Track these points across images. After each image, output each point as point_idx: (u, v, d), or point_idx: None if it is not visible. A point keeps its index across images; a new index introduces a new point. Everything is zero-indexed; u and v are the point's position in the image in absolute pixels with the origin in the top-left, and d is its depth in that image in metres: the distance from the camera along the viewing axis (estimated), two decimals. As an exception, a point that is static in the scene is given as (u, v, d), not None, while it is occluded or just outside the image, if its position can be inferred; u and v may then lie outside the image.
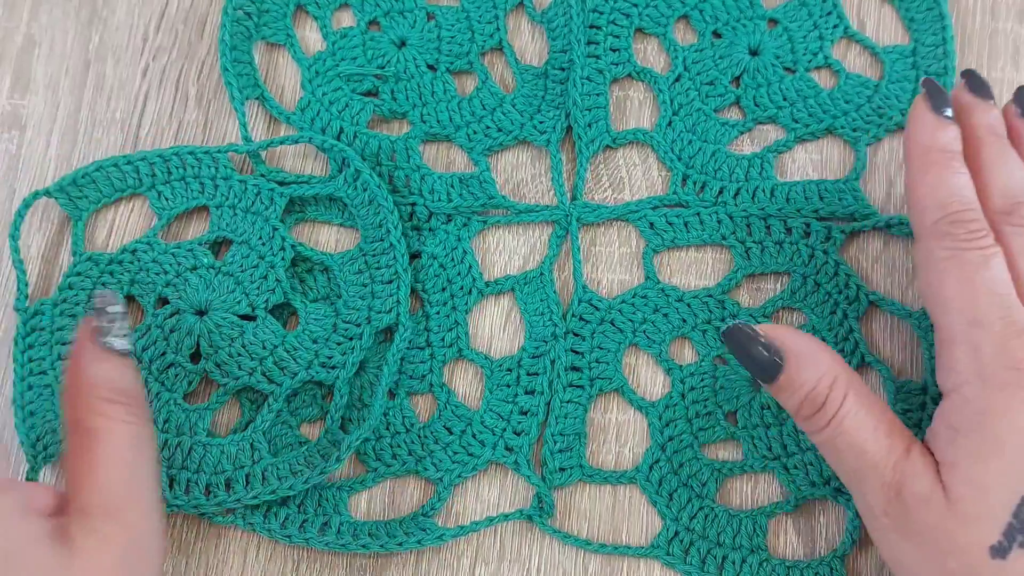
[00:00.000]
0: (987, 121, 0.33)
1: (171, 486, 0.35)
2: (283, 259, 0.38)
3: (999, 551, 0.28)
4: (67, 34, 0.41)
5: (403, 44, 0.41)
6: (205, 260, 0.38)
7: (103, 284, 0.38)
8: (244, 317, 0.37)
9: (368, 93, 0.40)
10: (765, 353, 0.32)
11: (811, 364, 0.31)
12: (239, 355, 0.37)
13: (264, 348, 0.37)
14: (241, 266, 0.38)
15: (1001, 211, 0.32)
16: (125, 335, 0.30)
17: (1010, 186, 0.32)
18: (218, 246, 0.39)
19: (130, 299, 0.38)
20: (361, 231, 0.38)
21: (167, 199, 0.39)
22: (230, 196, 0.39)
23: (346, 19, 0.42)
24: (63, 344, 0.37)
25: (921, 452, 0.30)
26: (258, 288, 0.37)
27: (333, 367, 0.37)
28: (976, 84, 0.34)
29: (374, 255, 0.38)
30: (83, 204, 0.39)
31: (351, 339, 0.37)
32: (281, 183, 0.39)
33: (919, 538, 0.29)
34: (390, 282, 0.37)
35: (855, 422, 0.30)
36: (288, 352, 0.37)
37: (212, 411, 0.37)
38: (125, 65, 0.41)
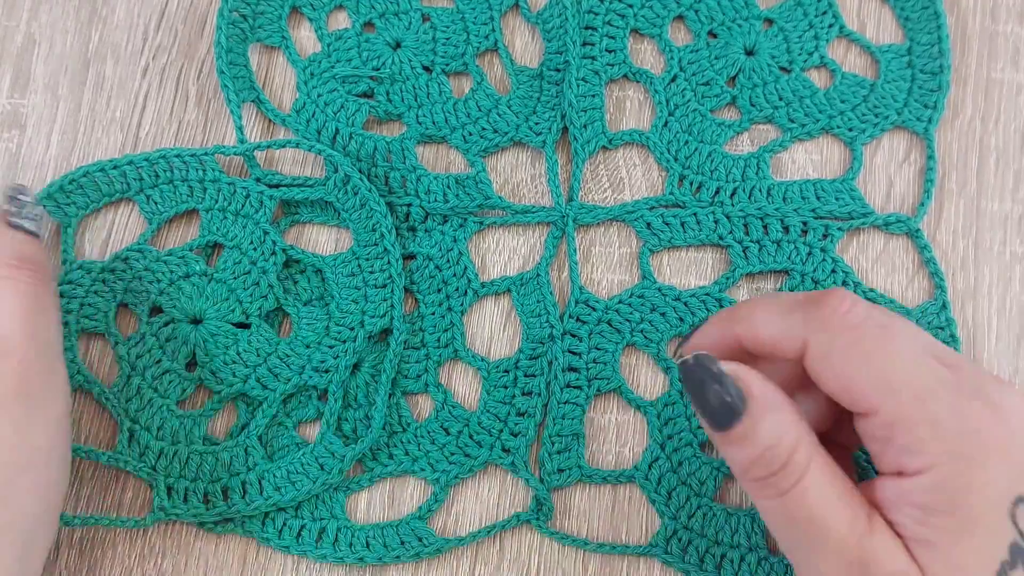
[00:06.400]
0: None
1: (169, 495, 0.35)
2: (275, 264, 0.37)
3: None
4: (67, 33, 0.40)
5: (398, 46, 0.40)
6: (197, 267, 0.37)
7: (95, 292, 0.36)
8: (238, 324, 0.36)
9: (364, 95, 0.39)
10: (724, 395, 0.27)
11: (776, 418, 0.27)
12: (234, 363, 0.36)
13: (258, 355, 0.36)
14: (233, 272, 0.37)
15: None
16: (34, 218, 0.33)
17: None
18: (210, 250, 0.38)
19: (123, 307, 0.37)
20: (353, 234, 0.37)
21: (156, 203, 0.38)
22: (219, 199, 0.37)
23: (341, 21, 0.40)
24: None
25: (884, 527, 0.27)
26: (251, 295, 0.36)
27: (326, 371, 0.36)
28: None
29: (367, 259, 0.37)
30: (72, 211, 0.37)
31: (344, 342, 0.36)
32: (273, 185, 0.38)
33: None
34: (384, 286, 0.36)
35: (818, 493, 0.26)
36: (281, 359, 0.36)
37: (207, 418, 0.36)
38: (125, 65, 0.40)
